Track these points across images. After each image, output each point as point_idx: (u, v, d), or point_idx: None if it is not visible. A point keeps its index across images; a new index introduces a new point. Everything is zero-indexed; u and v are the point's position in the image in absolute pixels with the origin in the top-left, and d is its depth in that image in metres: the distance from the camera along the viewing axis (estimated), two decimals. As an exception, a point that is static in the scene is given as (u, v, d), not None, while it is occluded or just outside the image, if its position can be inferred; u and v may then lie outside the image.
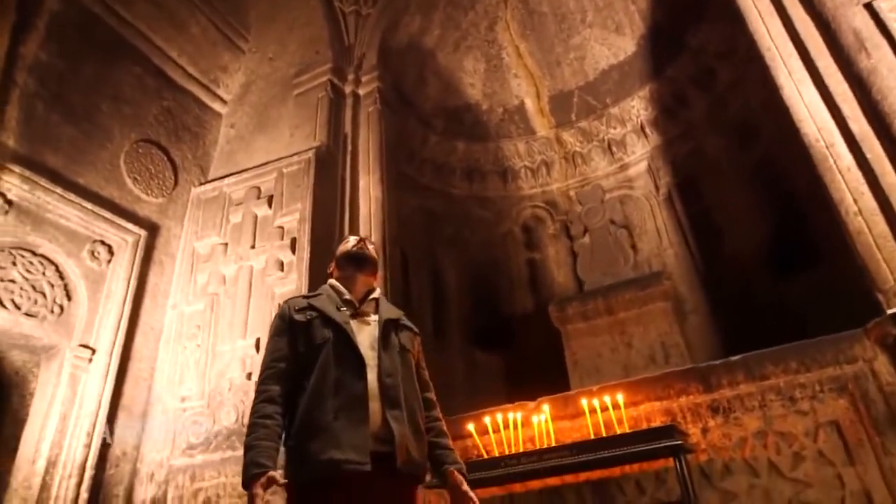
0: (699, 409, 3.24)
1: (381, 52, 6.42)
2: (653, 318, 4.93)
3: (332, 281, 2.33)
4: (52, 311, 4.45)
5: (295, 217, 5.20)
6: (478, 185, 7.56)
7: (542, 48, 7.22)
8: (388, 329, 2.17)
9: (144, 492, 4.43)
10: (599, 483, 3.26)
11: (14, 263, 4.32)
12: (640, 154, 6.98)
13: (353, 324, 2.13)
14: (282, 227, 5.23)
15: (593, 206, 5.99)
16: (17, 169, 4.38)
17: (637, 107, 6.93)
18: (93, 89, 5.19)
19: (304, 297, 2.27)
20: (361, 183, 5.70)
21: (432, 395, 2.33)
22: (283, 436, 2.01)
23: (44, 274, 4.47)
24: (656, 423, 3.20)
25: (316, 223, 5.14)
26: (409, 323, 2.35)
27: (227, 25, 6.54)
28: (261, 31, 6.75)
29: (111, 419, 4.50)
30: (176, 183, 5.72)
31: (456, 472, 2.13)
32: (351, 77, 6.21)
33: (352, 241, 2.42)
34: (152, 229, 5.31)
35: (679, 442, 2.76)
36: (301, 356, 2.07)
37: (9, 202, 4.34)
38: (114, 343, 4.68)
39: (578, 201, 6.28)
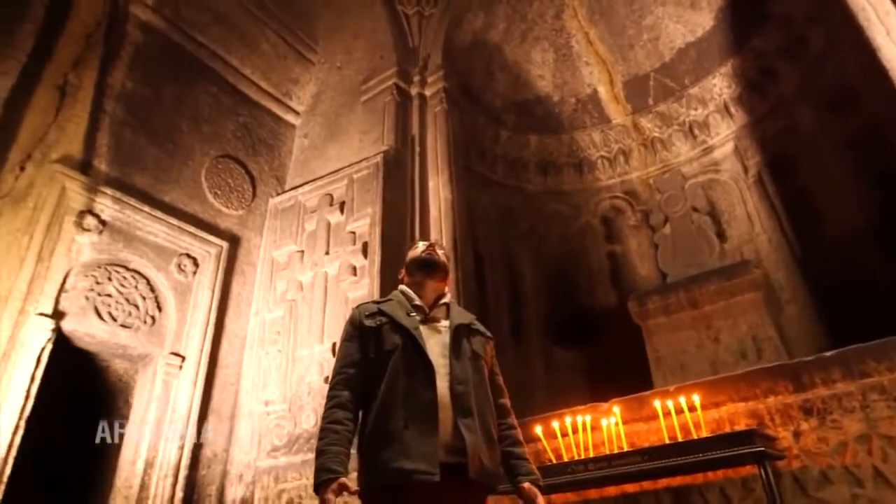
0: (790, 410, 2.94)
1: (446, 51, 6.38)
2: (742, 310, 4.57)
3: (403, 286, 2.31)
4: (144, 322, 4.74)
5: (366, 222, 5.27)
6: (553, 178, 7.35)
7: (613, 32, 6.92)
8: (459, 335, 2.13)
9: (234, 492, 4.63)
10: (680, 490, 3.04)
11: (110, 279, 4.63)
12: (725, 135, 6.53)
13: (423, 330, 2.10)
14: (353, 233, 5.32)
15: (673, 194, 5.65)
16: (108, 191, 4.70)
17: (719, 85, 6.49)
18: (174, 111, 5.50)
19: (375, 302, 2.26)
20: (431, 184, 5.69)
21: (506, 402, 2.27)
22: (357, 441, 2.02)
23: (136, 287, 4.77)
24: (740, 427, 2.94)
25: (386, 227, 5.18)
26: (480, 327, 2.29)
27: (296, 39, 6.74)
28: (328, 41, 6.91)
29: (201, 422, 4.74)
30: (254, 195, 5.95)
31: (530, 486, 2.05)
32: (416, 79, 6.21)
33: (421, 246, 2.39)
34: (233, 241, 5.55)
35: (761, 448, 2.52)
36: (371, 362, 2.07)
37: (103, 222, 4.66)
38: (201, 350, 4.93)
39: (657, 189, 5.95)
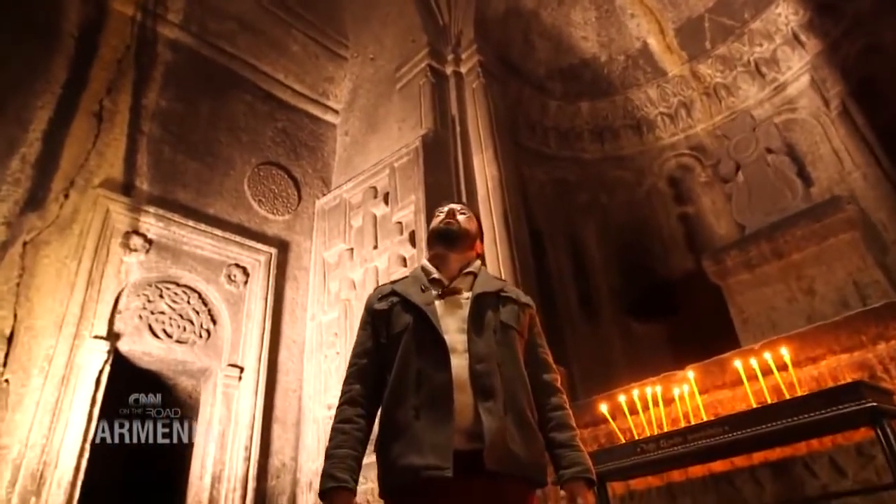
0: (906, 356, 2.44)
1: (478, 24, 6.07)
2: (838, 254, 3.98)
3: (423, 261, 2.05)
4: (200, 336, 4.70)
5: (410, 210, 5.04)
6: (610, 144, 6.87)
7: (658, -24, 6.38)
8: (481, 305, 1.82)
9: (305, 500, 4.50)
10: (781, 465, 2.58)
11: (161, 296, 4.63)
12: (798, 68, 5.84)
13: (440, 305, 1.82)
14: (400, 223, 5.11)
15: (743, 138, 5.06)
16: (152, 209, 4.70)
17: (784, 13, 5.81)
18: (210, 124, 5.48)
19: (392, 282, 2.00)
20: (475, 162, 5.41)
21: (552, 377, 1.91)
22: (374, 439, 1.78)
23: (188, 302, 4.74)
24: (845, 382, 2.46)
25: (431, 212, 4.91)
26: (513, 293, 1.96)
27: (325, 37, 6.62)
28: (358, 34, 6.75)
29: (266, 432, 4.65)
30: (300, 198, 5.86)
31: (572, 486, 1.72)
32: (450, 57, 5.94)
33: (441, 214, 2.11)
34: (282, 246, 5.46)
35: (873, 404, 2.05)
36: (384, 348, 1.82)
37: (149, 241, 4.67)
38: (259, 359, 4.84)
39: (725, 136, 5.37)
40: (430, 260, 2.04)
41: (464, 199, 5.14)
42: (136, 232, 4.61)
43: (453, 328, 1.77)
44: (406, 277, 2.02)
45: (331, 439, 1.74)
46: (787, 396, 2.45)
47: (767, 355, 2.58)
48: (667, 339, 5.51)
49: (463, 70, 5.93)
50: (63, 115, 4.60)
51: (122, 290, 4.42)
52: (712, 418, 2.53)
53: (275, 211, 5.60)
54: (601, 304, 5.95)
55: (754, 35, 6.05)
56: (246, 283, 5.10)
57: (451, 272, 1.95)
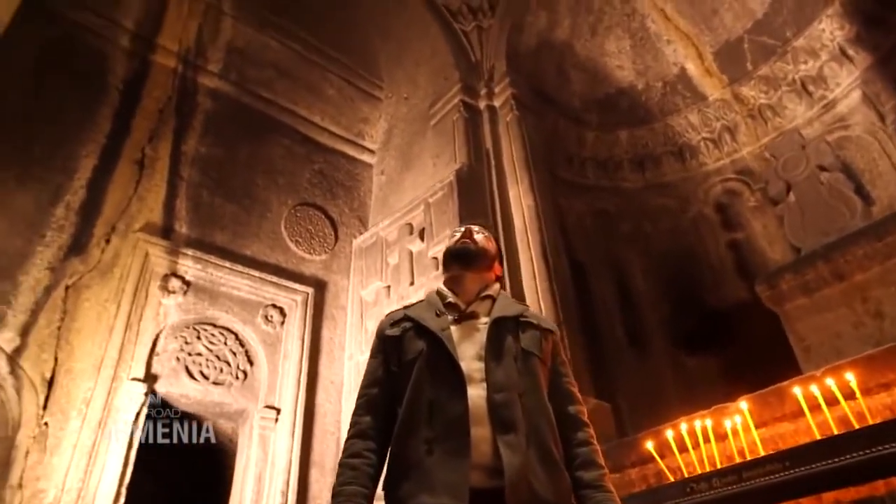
0: None
1: (510, 58, 6.07)
2: (906, 273, 3.67)
3: (439, 285, 1.94)
4: (236, 378, 4.67)
5: (446, 244, 4.94)
6: (652, 171, 6.67)
7: (692, 1, 6.26)
8: (501, 330, 1.69)
9: (344, 548, 4.31)
10: (857, 504, 2.29)
11: (198, 337, 4.63)
12: (847, 84, 5.56)
13: (456, 331, 1.70)
14: (436, 258, 5.00)
15: (791, 156, 4.80)
16: (190, 252, 4.76)
17: (828, 29, 5.59)
18: (248, 168, 5.58)
19: (405, 307, 1.89)
20: (511, 194, 5.32)
21: (578, 410, 1.75)
22: (381, 475, 1.64)
23: (225, 343, 4.73)
24: (924, 409, 2.18)
25: (467, 246, 4.82)
26: (534, 318, 1.81)
27: (360, 79, 6.74)
28: (391, 74, 6.84)
29: (303, 476, 4.52)
30: (336, 238, 5.86)
31: None
32: (483, 92, 5.94)
33: (457, 234, 2.02)
34: (319, 286, 5.43)
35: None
36: (395, 377, 1.69)
37: (187, 283, 4.71)
38: (296, 400, 4.76)
39: (772, 156, 5.11)
40: (445, 283, 1.92)
41: (500, 233, 5.04)
42: (175, 274, 4.66)
43: (470, 355, 1.64)
44: (421, 302, 1.91)
45: (338, 475, 1.60)
46: (856, 426, 2.19)
47: (831, 382, 2.33)
48: (721, 371, 5.17)
49: (496, 104, 5.91)
50: (107, 163, 4.76)
51: (160, 333, 4.44)
52: (771, 453, 2.28)
53: (312, 251, 5.61)
54: (649, 336, 5.67)
55: (798, 53, 5.83)
56: (283, 323, 5.07)
57: (468, 295, 1.82)
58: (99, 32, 5.19)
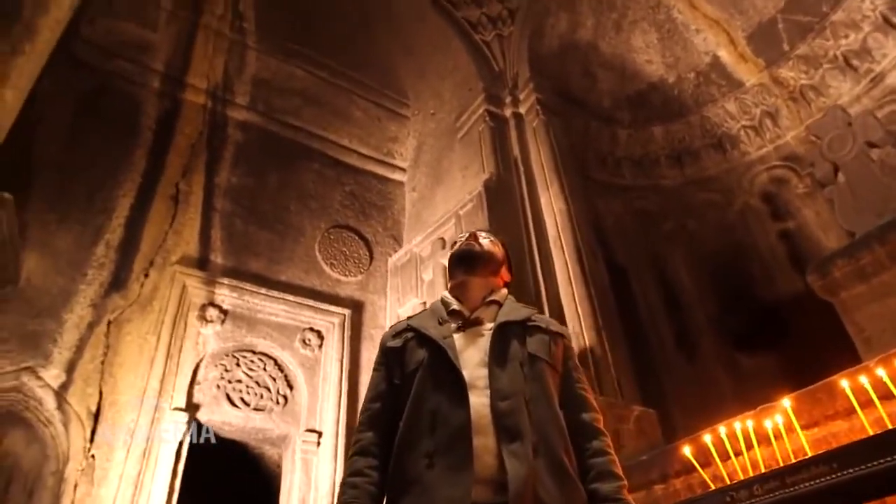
0: None
1: (533, 63, 6.00)
2: (973, 250, 3.35)
3: (444, 292, 1.88)
4: (277, 403, 4.68)
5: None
6: (691, 166, 6.43)
7: (718, -14, 6.04)
8: (506, 335, 1.62)
9: (392, 572, 4.23)
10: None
11: (238, 364, 4.67)
12: (895, 54, 5.24)
13: (460, 338, 1.63)
14: (467, 270, 4.92)
15: (837, 134, 4.49)
16: (226, 281, 4.83)
17: (868, -2, 5.29)
18: (280, 194, 5.66)
19: (409, 317, 1.83)
20: (542, 200, 5.21)
21: (592, 418, 1.65)
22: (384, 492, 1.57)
23: (264, 369, 4.76)
24: None
25: (499, 256, 4.72)
26: (543, 322, 1.73)
27: (385, 98, 6.78)
28: (417, 91, 6.86)
29: (348, 499, 4.46)
30: (371, 258, 5.85)
31: None
32: (508, 100, 5.87)
33: (462, 238, 1.97)
34: (356, 307, 5.42)
35: None
36: (398, 390, 1.63)
37: (224, 311, 4.77)
38: (337, 423, 4.72)
39: (815, 137, 4.82)
40: (450, 290, 1.85)
41: (533, 239, 4.93)
42: (212, 304, 4.73)
43: (473, 362, 1.56)
44: (424, 311, 1.85)
45: (340, 495, 1.54)
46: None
47: (882, 372, 2.11)
48: (780, 370, 4.86)
49: (522, 110, 5.83)
50: (142, 201, 4.91)
51: (200, 362, 4.51)
52: (818, 454, 2.07)
53: (347, 272, 5.62)
54: (699, 338, 5.40)
55: (837, 27, 5.53)
56: (321, 346, 5.07)
57: (473, 302, 1.75)
58: (130, 78, 5.40)
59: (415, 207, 6.32)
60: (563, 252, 4.81)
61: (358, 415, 1.75)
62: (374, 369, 1.76)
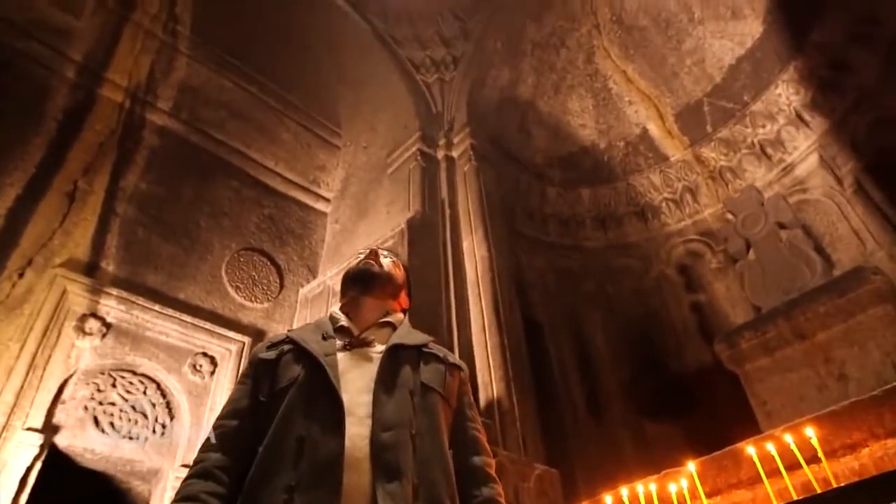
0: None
1: (471, 109, 6.01)
2: (870, 332, 3.45)
3: (333, 308, 1.67)
4: (153, 432, 4.22)
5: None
6: (614, 231, 6.55)
7: (653, 64, 6.33)
8: (397, 360, 1.44)
9: None
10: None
11: (114, 385, 4.21)
12: (805, 148, 5.57)
13: (344, 358, 1.42)
14: (382, 308, 4.70)
15: (750, 213, 4.69)
16: (114, 291, 4.39)
17: (784, 94, 5.64)
18: (192, 208, 5.30)
19: (291, 329, 1.60)
20: (465, 245, 5.09)
21: (484, 462, 1.48)
22: None
23: (144, 393, 4.31)
24: None
25: (415, 297, 4.52)
26: (440, 351, 1.57)
27: (318, 125, 6.60)
28: (351, 122, 6.72)
29: (219, 547, 4.01)
30: (282, 286, 5.54)
31: None
32: (442, 142, 5.81)
33: (359, 256, 1.80)
34: (258, 335, 5.05)
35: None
36: (263, 409, 1.38)
37: (107, 325, 4.32)
38: (218, 460, 4.30)
39: (731, 213, 5.01)
40: (341, 308, 1.66)
41: (451, 283, 4.78)
42: (94, 315, 4.27)
43: (356, 386, 1.35)
44: (308, 324, 1.64)
45: None
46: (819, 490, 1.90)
47: (790, 438, 2.05)
48: (683, 438, 4.84)
49: (455, 154, 5.78)
50: (32, 193, 4.44)
51: (70, 378, 4.02)
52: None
53: (253, 298, 5.27)
54: (609, 401, 5.36)
55: (756, 117, 5.87)
56: (213, 373, 4.67)
57: (364, 322, 1.56)
58: (42, 63, 4.98)
59: (335, 240, 6.08)
60: (481, 299, 4.67)
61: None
62: (239, 382, 1.52)
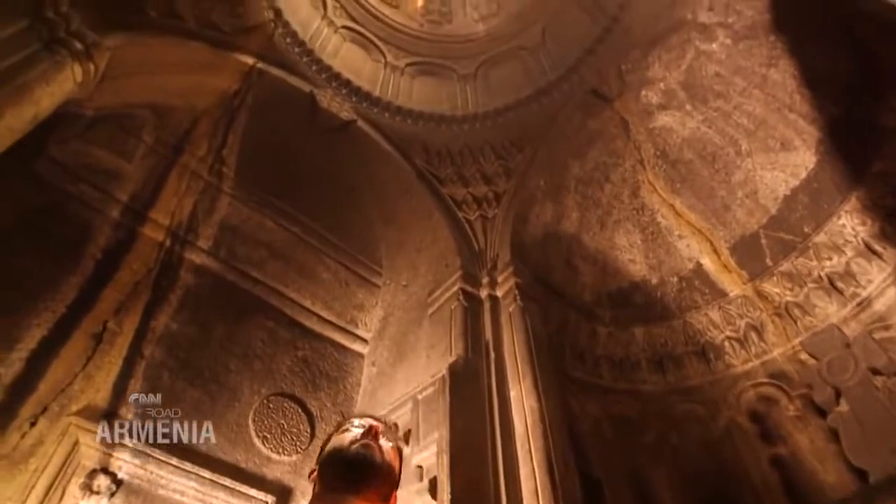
0: None
1: (515, 247, 5.80)
2: None
3: None
4: None
5: (432, 451, 4.16)
6: (673, 373, 5.99)
7: (701, 198, 6.11)
8: None
9: None
10: None
11: (115, 555, 3.71)
12: (880, 280, 5.07)
13: None
14: (420, 467, 4.20)
15: (836, 356, 4.15)
16: (130, 443, 4.03)
17: (849, 224, 5.27)
18: (222, 349, 5.05)
19: None
20: (512, 393, 4.62)
21: None
22: None
23: (150, 565, 3.79)
24: None
25: (457, 454, 4.01)
26: None
27: (358, 263, 6.46)
28: (392, 260, 6.57)
29: None
30: (312, 436, 5.09)
31: None
32: (485, 281, 5.54)
33: (353, 430, 1.42)
34: (283, 493, 4.56)
35: None
36: None
37: (118, 482, 3.92)
38: None
39: (811, 357, 4.46)
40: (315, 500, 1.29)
41: (498, 439, 4.27)
42: (105, 470, 3.89)
43: None
44: None
45: None
46: None
47: None
48: None
49: (499, 293, 5.47)
50: (58, 334, 4.27)
51: (68, 546, 3.56)
52: None
53: (280, 450, 4.82)
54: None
55: (820, 249, 5.46)
56: (229, 539, 4.14)
57: None
58: (88, 203, 5.03)
59: (371, 384, 5.68)
60: (532, 458, 4.13)
61: None
62: None
